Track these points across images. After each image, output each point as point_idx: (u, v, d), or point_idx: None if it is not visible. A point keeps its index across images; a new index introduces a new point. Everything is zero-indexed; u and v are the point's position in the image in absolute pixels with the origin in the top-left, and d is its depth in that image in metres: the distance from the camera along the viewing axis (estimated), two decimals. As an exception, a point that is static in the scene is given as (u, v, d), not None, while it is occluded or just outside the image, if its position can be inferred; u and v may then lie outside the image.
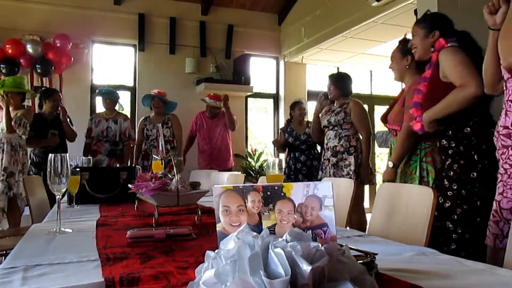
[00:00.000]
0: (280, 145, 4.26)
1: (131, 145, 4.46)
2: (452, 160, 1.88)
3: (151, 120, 4.49)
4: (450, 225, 1.83)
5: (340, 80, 3.51)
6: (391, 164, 2.29)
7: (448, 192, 1.86)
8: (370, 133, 3.43)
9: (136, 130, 4.63)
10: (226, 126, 4.68)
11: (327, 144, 3.49)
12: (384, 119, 2.55)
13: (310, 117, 4.31)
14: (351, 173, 3.27)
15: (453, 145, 1.89)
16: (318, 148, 4.14)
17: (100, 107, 4.78)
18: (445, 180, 1.90)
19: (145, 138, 4.45)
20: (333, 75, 3.63)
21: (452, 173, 1.87)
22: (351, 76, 3.60)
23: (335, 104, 3.54)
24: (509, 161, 1.51)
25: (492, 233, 1.55)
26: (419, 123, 2.02)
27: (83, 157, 3.24)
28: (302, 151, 4.07)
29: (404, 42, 2.43)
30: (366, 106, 6.68)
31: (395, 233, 1.37)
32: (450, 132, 1.92)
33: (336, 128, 3.42)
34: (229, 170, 4.61)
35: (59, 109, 4.03)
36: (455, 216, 1.83)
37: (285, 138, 4.16)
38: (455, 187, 1.85)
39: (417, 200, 1.36)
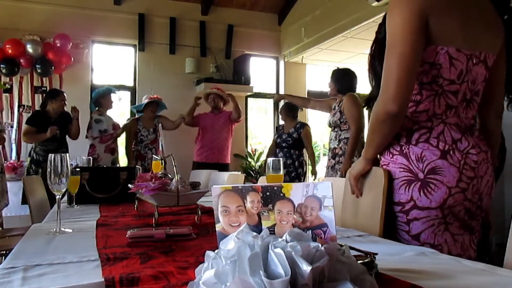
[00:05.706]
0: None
1: None
2: None
3: (143, 124, 4.50)
4: None
5: (339, 75, 3.34)
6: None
7: None
8: (360, 129, 3.12)
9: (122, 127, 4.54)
10: (228, 119, 4.69)
11: (329, 145, 3.40)
12: None
13: (309, 117, 4.33)
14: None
15: None
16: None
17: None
18: None
19: (139, 142, 4.46)
20: (335, 70, 3.46)
21: None
22: (354, 73, 3.36)
23: (337, 102, 3.37)
24: None
25: None
26: None
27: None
28: (282, 149, 4.18)
29: None
30: (366, 106, 6.71)
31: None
32: None
33: (336, 129, 3.32)
34: (226, 165, 4.65)
35: (72, 111, 4.09)
36: None
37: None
38: None
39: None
